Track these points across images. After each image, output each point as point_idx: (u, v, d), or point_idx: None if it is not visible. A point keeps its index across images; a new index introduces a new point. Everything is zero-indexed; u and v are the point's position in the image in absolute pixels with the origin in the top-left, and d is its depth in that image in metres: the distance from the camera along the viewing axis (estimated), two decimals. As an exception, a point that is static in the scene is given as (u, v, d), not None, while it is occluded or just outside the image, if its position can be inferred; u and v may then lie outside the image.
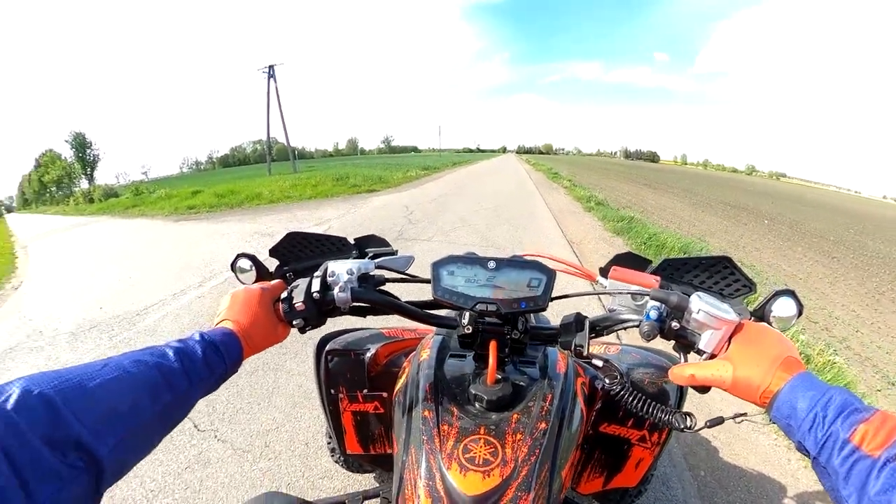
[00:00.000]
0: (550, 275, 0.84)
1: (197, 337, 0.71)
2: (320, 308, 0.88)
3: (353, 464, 1.80)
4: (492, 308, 0.82)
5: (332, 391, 1.35)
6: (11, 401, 0.46)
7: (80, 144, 71.04)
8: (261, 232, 8.59)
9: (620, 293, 0.90)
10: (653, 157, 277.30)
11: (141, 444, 0.60)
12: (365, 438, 1.42)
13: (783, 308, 0.78)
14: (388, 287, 1.03)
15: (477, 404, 0.85)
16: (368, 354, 1.31)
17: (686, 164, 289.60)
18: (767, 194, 30.39)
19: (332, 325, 1.08)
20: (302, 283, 0.89)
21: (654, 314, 0.79)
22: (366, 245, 1.11)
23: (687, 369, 0.74)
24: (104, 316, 4.56)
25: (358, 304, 0.91)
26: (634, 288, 0.89)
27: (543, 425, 0.80)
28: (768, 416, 0.64)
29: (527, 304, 0.83)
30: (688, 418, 0.77)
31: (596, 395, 1.13)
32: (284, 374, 2.99)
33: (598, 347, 1.33)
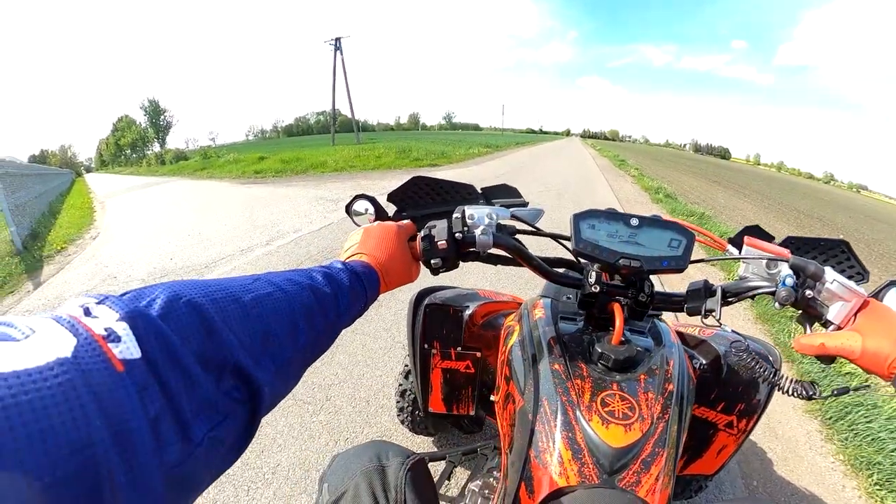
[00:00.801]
0: (690, 237, 0.84)
1: (339, 265, 0.67)
2: (460, 250, 0.86)
3: (422, 424, 1.79)
4: (635, 264, 0.81)
5: (426, 346, 1.34)
6: (157, 306, 0.36)
7: (154, 111, 75.39)
8: (325, 197, 8.73)
9: (757, 259, 0.87)
10: (724, 154, 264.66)
11: (293, 375, 0.53)
12: (449, 397, 1.41)
13: None
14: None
15: (601, 363, 0.83)
16: (467, 312, 1.31)
17: (759, 164, 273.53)
18: (846, 208, 29.47)
19: (424, 280, 1.04)
20: (440, 223, 0.86)
21: (789, 282, 0.78)
22: (493, 195, 1.06)
23: (817, 338, 0.74)
24: (174, 266, 4.74)
25: (494, 251, 0.89)
26: (771, 256, 0.87)
27: (671, 387, 0.81)
28: (894, 386, 0.66)
29: (668, 263, 0.82)
30: (813, 386, 0.76)
31: (693, 375, 1.11)
32: (349, 333, 2.96)
33: (693, 329, 1.30)
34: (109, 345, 0.30)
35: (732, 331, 0.92)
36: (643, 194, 11.53)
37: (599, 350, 0.83)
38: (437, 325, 1.32)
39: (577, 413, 0.74)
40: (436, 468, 1.33)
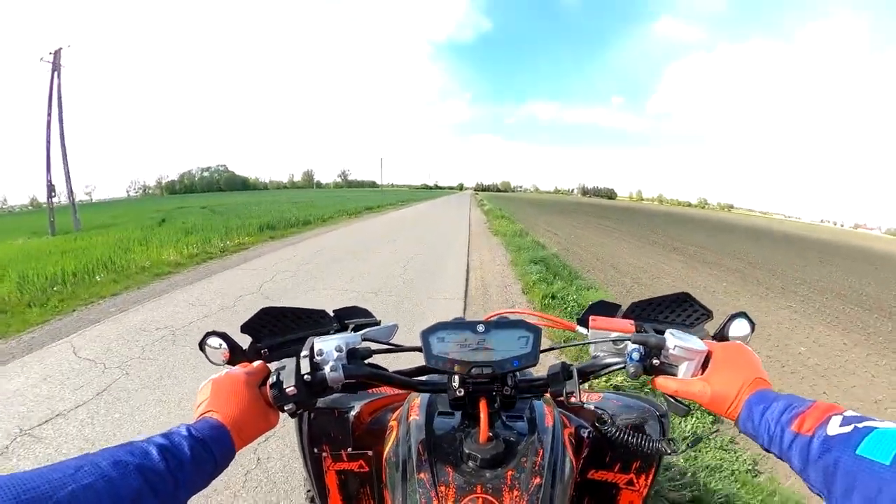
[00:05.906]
0: (537, 331, 0.86)
1: (184, 432, 0.64)
2: (311, 389, 0.83)
3: None
4: (487, 371, 0.83)
5: (315, 450, 1.24)
6: None
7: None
8: None
9: (603, 341, 0.92)
10: (610, 194, 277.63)
11: None
12: (349, 498, 1.32)
13: (739, 328, 0.87)
14: (374, 357, 0.99)
15: (471, 463, 0.83)
16: (353, 413, 1.24)
17: (642, 199, 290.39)
18: (727, 229, 36.48)
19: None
20: (289, 364, 0.84)
21: (636, 356, 0.84)
22: (346, 316, 1.07)
23: (673, 382, 0.82)
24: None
25: (349, 381, 0.88)
26: (615, 335, 0.92)
27: (538, 480, 0.80)
28: (737, 428, 0.73)
29: (519, 363, 0.84)
30: (672, 443, 0.85)
31: (583, 444, 1.13)
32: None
33: (582, 396, 1.24)
34: None
35: (608, 392, 1.08)
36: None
37: (467, 451, 0.82)
38: (322, 428, 1.21)
39: None
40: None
